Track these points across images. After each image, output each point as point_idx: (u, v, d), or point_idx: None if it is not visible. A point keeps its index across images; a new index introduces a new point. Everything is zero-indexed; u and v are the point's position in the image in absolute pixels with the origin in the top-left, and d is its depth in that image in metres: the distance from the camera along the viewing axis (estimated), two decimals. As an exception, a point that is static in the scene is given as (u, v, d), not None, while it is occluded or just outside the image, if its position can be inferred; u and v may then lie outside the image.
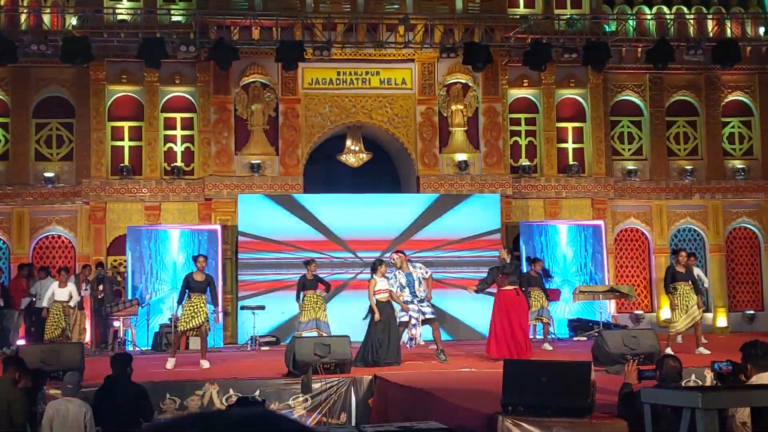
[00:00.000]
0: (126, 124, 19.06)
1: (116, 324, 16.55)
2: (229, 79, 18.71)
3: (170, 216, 18.72)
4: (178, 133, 19.22)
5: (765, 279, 20.91)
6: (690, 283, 13.33)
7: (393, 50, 18.86)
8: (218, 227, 18.17)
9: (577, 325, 17.86)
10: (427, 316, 12.74)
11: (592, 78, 20.02)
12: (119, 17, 18.31)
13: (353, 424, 10.45)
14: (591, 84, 20.11)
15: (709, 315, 19.36)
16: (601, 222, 19.37)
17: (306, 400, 10.71)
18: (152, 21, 18.07)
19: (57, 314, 14.97)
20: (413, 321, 12.66)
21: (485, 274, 13.13)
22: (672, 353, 8.65)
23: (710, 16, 20.45)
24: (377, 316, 12.47)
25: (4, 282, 18.07)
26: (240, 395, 10.29)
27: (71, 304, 15.24)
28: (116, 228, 18.49)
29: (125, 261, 17.87)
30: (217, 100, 18.81)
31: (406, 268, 12.84)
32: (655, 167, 20.61)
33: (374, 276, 12.82)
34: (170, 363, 12.47)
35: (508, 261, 12.90)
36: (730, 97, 21.15)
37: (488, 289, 13.04)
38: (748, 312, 20.50)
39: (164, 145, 19.08)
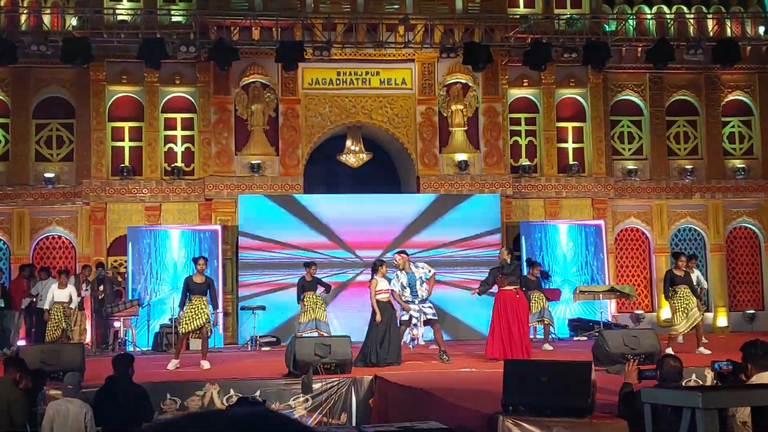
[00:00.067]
0: (126, 125, 19.06)
1: (117, 324, 16.54)
2: (229, 80, 18.71)
3: (170, 216, 18.72)
4: (179, 133, 19.22)
5: (765, 278, 20.91)
6: (689, 285, 13.34)
7: (393, 50, 18.87)
8: (218, 227, 18.17)
9: (578, 325, 17.86)
10: (429, 317, 12.74)
11: (592, 78, 20.02)
12: (119, 18, 18.31)
13: (354, 424, 10.45)
14: (591, 84, 20.11)
15: (710, 315, 19.36)
16: (601, 222, 19.37)
17: (306, 400, 10.72)
18: (152, 21, 18.07)
19: (58, 316, 14.98)
20: (414, 321, 12.67)
21: (485, 274, 13.14)
22: (672, 353, 8.65)
23: (710, 16, 20.44)
24: (378, 318, 12.47)
25: (5, 283, 18.07)
26: (240, 395, 10.29)
27: (72, 305, 15.27)
28: (116, 228, 18.50)
29: (125, 261, 17.87)
30: (217, 100, 18.81)
31: (409, 269, 12.83)
32: (655, 167, 20.61)
33: (375, 276, 12.83)
34: (172, 364, 12.49)
35: (508, 261, 12.89)
36: (730, 97, 21.15)
37: (491, 290, 13.04)
38: (748, 311, 20.50)
39: (164, 145, 19.08)
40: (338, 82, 19.15)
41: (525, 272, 16.17)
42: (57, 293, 15.13)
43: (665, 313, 18.11)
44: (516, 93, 20.10)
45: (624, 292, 16.96)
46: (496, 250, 15.24)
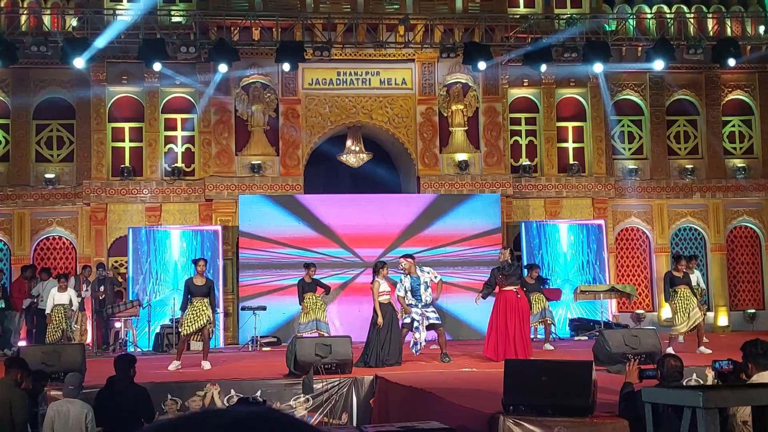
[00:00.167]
0: (126, 125, 19.06)
1: (117, 325, 16.55)
2: (229, 80, 18.71)
3: (171, 217, 18.72)
4: (179, 134, 19.23)
5: (766, 278, 20.91)
6: (689, 286, 13.34)
7: (393, 50, 18.87)
8: (219, 228, 18.17)
9: (578, 325, 17.85)
10: (432, 322, 12.71)
11: (592, 77, 20.02)
12: (119, 18, 18.30)
13: (354, 424, 10.45)
14: (591, 83, 20.11)
15: (711, 314, 19.36)
16: (601, 221, 19.36)
17: (307, 400, 10.72)
18: (152, 22, 18.08)
19: (58, 318, 15.01)
20: (416, 324, 12.64)
21: (486, 274, 13.13)
22: (673, 352, 8.66)
23: (710, 15, 20.45)
24: (380, 320, 12.46)
25: (6, 284, 18.07)
26: (241, 396, 10.30)
27: (72, 308, 15.32)
28: (117, 229, 18.50)
29: (126, 262, 17.88)
30: (217, 100, 18.81)
31: (415, 273, 12.80)
32: (655, 166, 20.61)
33: (376, 278, 12.81)
34: (173, 365, 12.49)
35: (509, 261, 12.88)
36: (731, 96, 21.15)
37: (494, 292, 13.02)
38: (749, 311, 20.50)
39: (165, 146, 19.08)
40: (338, 82, 19.15)
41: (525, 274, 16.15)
42: (57, 297, 15.16)
43: (666, 312, 18.11)
44: (516, 93, 20.10)
45: (625, 292, 16.96)
46: (497, 250, 15.22)
